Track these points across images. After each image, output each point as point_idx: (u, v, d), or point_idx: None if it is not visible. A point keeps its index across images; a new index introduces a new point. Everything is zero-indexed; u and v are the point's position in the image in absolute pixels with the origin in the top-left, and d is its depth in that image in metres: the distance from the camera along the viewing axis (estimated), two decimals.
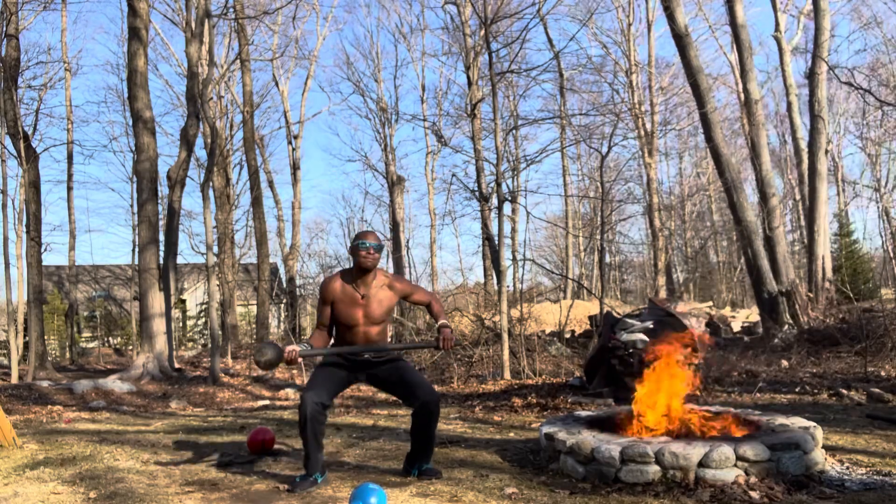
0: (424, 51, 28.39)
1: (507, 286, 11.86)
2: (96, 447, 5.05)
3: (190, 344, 27.72)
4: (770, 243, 13.74)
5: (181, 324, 28.80)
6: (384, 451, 4.70)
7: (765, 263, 13.20)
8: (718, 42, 25.56)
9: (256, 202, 21.59)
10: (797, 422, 3.90)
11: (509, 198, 13.86)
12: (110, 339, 28.38)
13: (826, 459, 3.73)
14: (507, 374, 10.09)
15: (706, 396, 6.84)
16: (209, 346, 15.42)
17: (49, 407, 8.71)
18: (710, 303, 24.74)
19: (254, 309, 24.76)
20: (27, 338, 16.27)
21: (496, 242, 12.51)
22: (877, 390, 6.50)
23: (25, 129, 15.53)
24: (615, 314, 8.66)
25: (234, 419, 7.04)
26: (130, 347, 24.28)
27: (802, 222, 27.35)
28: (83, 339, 28.06)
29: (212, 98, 18.44)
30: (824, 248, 16.35)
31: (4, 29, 14.80)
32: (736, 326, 16.83)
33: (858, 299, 14.74)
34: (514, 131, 20.99)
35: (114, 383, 10.65)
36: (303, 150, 33.08)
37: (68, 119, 21.65)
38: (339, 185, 64.34)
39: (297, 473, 3.83)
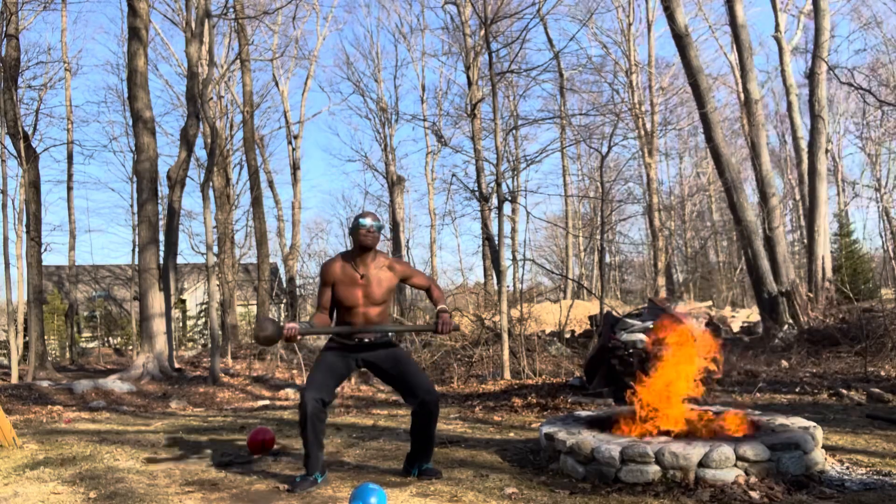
0: (424, 51, 28.43)
1: (507, 286, 11.86)
2: (96, 447, 5.05)
3: (190, 344, 27.71)
4: (770, 243, 13.74)
5: (181, 324, 28.80)
6: (384, 451, 4.70)
7: (765, 263, 13.20)
8: (718, 42, 25.57)
9: (256, 202, 21.58)
10: (797, 422, 3.90)
11: (509, 198, 13.86)
12: (110, 339, 28.39)
13: (826, 459, 3.73)
14: (507, 374, 10.09)
15: (706, 396, 6.84)
16: (209, 346, 15.42)
17: (49, 407, 8.71)
18: (710, 303, 24.73)
19: (254, 309, 24.78)
20: (27, 338, 16.27)
21: (496, 242, 12.51)
22: (877, 390, 6.50)
23: (25, 129, 15.54)
24: (615, 314, 8.66)
25: (234, 419, 7.04)
26: (130, 347, 24.28)
27: (802, 222, 27.35)
28: (83, 339, 28.06)
29: (212, 98, 18.44)
30: (824, 248, 16.35)
31: (4, 29, 14.80)
32: (736, 326, 16.84)
33: (858, 299, 14.74)
34: (514, 131, 21.00)
35: (114, 383, 10.65)
36: (303, 150, 33.11)
37: (68, 119, 21.66)
38: (339, 185, 64.47)
39: (297, 473, 3.83)
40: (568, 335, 14.63)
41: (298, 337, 3.73)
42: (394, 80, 44.48)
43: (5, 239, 14.75)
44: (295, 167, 25.32)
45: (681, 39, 13.66)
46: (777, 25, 18.45)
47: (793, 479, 3.33)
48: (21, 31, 16.14)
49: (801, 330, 11.95)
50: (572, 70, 22.50)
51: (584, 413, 4.72)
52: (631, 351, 6.87)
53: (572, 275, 28.88)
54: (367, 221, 3.71)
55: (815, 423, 3.84)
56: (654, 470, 3.38)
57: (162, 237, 13.02)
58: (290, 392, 10.55)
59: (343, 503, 3.35)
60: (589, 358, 8.16)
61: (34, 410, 8.37)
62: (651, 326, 7.08)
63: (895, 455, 3.95)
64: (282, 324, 3.77)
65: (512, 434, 5.28)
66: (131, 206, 24.51)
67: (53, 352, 23.77)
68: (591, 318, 16.37)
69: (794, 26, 21.02)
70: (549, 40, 23.53)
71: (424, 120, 25.18)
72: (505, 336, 10.29)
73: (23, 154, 14.67)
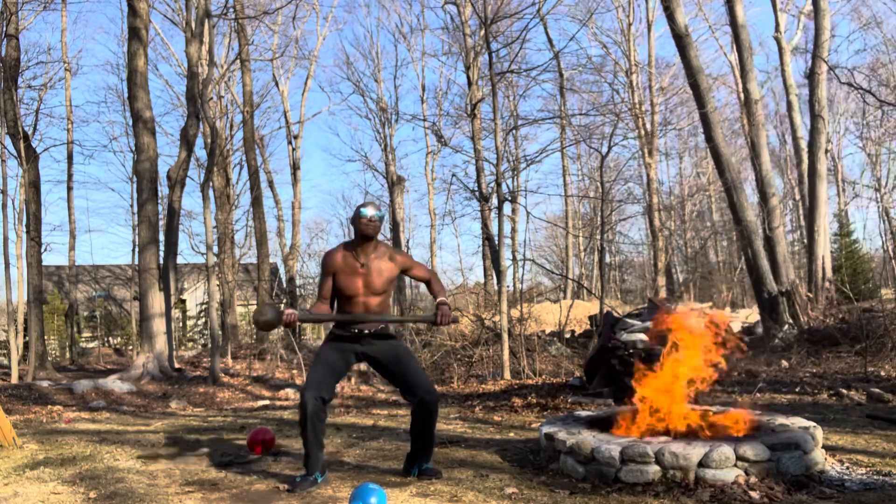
0: (424, 51, 28.41)
1: (507, 286, 11.86)
2: (96, 447, 5.05)
3: (190, 344, 27.71)
4: (770, 243, 13.73)
5: (181, 324, 28.80)
6: (384, 451, 4.70)
7: (765, 263, 13.20)
8: (718, 42, 25.56)
9: (256, 202, 21.59)
10: (797, 422, 3.90)
11: (509, 198, 13.87)
12: (110, 339, 28.38)
13: (826, 459, 3.73)
14: (507, 374, 10.09)
15: (706, 396, 6.84)
16: (209, 346, 15.42)
17: (49, 407, 8.71)
18: (710, 303, 24.72)
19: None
20: (27, 338, 16.27)
21: (496, 242, 12.51)
22: (877, 390, 6.50)
23: (25, 129, 15.54)
24: (615, 314, 8.66)
25: (234, 419, 7.04)
26: (130, 347, 24.28)
27: (802, 222, 27.35)
28: (83, 339, 28.06)
29: (212, 98, 18.44)
30: (824, 248, 16.35)
31: (4, 29, 14.80)
32: (736, 326, 16.83)
33: (858, 299, 14.74)
34: (514, 131, 21.00)
35: (114, 383, 10.65)
36: (303, 150, 33.08)
37: (68, 119, 21.66)
38: (339, 185, 64.56)
39: (297, 473, 3.83)
40: (568, 335, 14.63)
41: (297, 323, 3.72)
42: (394, 80, 44.49)
43: (5, 239, 14.75)
44: (295, 167, 25.32)
45: (681, 39, 13.65)
46: (777, 25, 18.45)
47: (793, 479, 3.33)
48: (21, 31, 16.14)
49: (801, 330, 11.94)
50: (572, 70, 22.51)
51: (584, 413, 4.72)
52: (631, 351, 6.87)
53: (572, 275, 28.88)
54: (369, 211, 3.72)
55: (815, 423, 3.84)
56: (654, 470, 3.38)
57: (162, 237, 13.02)
58: (290, 392, 10.54)
59: (343, 503, 3.35)
60: (589, 358, 8.16)
61: (34, 410, 8.37)
62: (651, 326, 7.09)
63: (895, 455, 3.95)
64: (282, 309, 3.77)
65: (512, 434, 5.28)
66: (131, 206, 24.53)
67: (53, 352, 23.76)
68: (591, 318, 16.37)
69: (794, 26, 21.02)
70: (549, 40, 23.54)
71: (424, 120, 25.19)
72: (505, 336, 10.29)
73: (23, 154, 14.66)
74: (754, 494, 3.14)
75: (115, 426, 6.58)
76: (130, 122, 14.86)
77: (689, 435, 3.75)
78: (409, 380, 3.74)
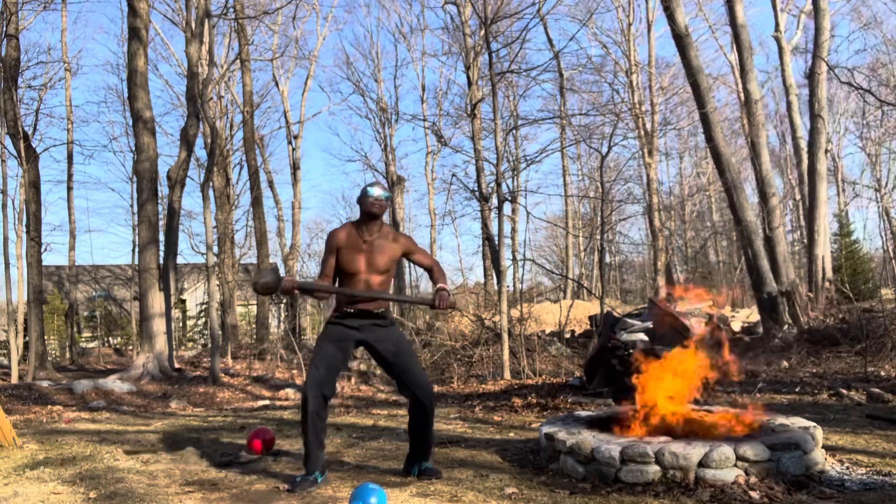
0: (424, 51, 28.39)
1: (507, 286, 11.87)
2: (96, 447, 5.05)
3: (190, 344, 27.71)
4: (770, 243, 13.73)
5: (181, 324, 28.80)
6: (384, 451, 4.70)
7: (765, 263, 13.20)
8: (718, 42, 25.55)
9: (256, 202, 21.59)
10: (797, 422, 3.90)
11: (509, 198, 13.87)
12: (110, 339, 28.38)
13: (826, 459, 3.73)
14: (507, 374, 10.09)
15: (706, 396, 6.84)
16: (209, 346, 15.42)
17: (49, 407, 8.71)
18: (710, 302, 24.71)
19: (254, 309, 24.76)
20: (27, 338, 16.27)
21: (496, 242, 12.52)
22: (877, 390, 6.50)
23: (25, 129, 15.53)
24: (615, 314, 8.66)
25: (234, 419, 7.04)
26: (130, 347, 24.28)
27: (802, 222, 27.35)
28: (83, 339, 28.06)
29: (212, 98, 18.44)
30: (824, 248, 16.34)
31: (4, 29, 14.80)
32: (736, 326, 16.83)
33: (858, 299, 14.74)
34: (514, 131, 21.00)
35: (114, 383, 10.64)
36: (303, 150, 33.07)
37: (68, 119, 21.65)
38: (339, 185, 64.46)
39: (297, 473, 3.83)
40: (568, 335, 14.63)
41: (296, 291, 3.73)
42: (394, 80, 44.48)
43: (5, 239, 14.75)
44: (295, 167, 25.31)
45: (681, 39, 13.65)
46: (777, 25, 18.44)
47: (793, 479, 3.33)
48: (21, 31, 16.14)
49: (801, 330, 11.94)
50: (572, 70, 22.52)
51: (584, 413, 4.72)
52: (631, 351, 6.87)
53: (572, 275, 28.88)
54: (376, 190, 3.74)
55: (815, 423, 3.84)
56: (654, 470, 3.38)
57: (162, 237, 13.02)
58: (290, 392, 10.54)
59: (343, 503, 3.35)
60: (589, 358, 8.16)
61: (34, 410, 8.37)
62: (651, 326, 7.09)
63: (895, 455, 3.95)
64: (282, 275, 3.77)
65: (512, 434, 5.28)
66: (131, 206, 24.52)
67: (53, 352, 23.76)
68: (591, 318, 16.37)
69: (794, 26, 21.02)
70: (549, 40, 23.54)
71: (424, 120, 25.19)
72: (505, 336, 10.29)
73: (23, 154, 14.66)
74: (754, 494, 3.14)
75: (115, 426, 6.58)
76: (130, 122, 14.86)
77: (689, 435, 3.76)
78: (405, 376, 3.75)
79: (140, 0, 12.68)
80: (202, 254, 20.42)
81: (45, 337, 16.13)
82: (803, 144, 17.83)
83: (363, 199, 3.74)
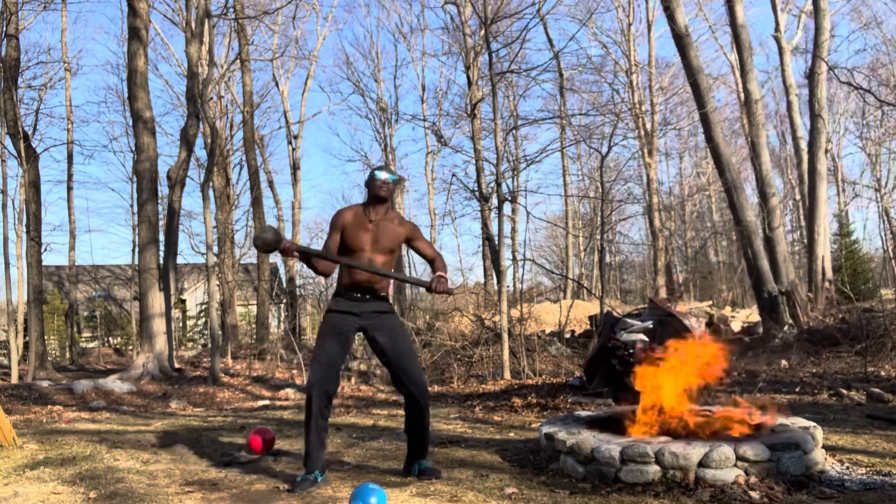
0: (424, 51, 28.47)
1: (507, 286, 11.87)
2: (96, 447, 5.05)
3: (190, 344, 27.71)
4: (770, 243, 13.74)
5: (181, 324, 28.80)
6: (384, 451, 4.70)
7: (765, 263, 13.20)
8: (718, 42, 25.57)
9: (256, 202, 21.59)
10: (797, 422, 3.90)
11: (509, 198, 13.87)
12: (110, 339, 28.38)
13: (826, 459, 3.73)
14: (507, 374, 10.09)
15: (706, 396, 6.84)
16: (209, 346, 15.42)
17: (49, 407, 8.70)
18: (710, 302, 24.73)
19: (254, 309, 24.76)
20: (27, 338, 16.27)
21: (496, 242, 12.52)
22: (877, 390, 6.50)
23: (25, 129, 15.53)
24: (615, 314, 8.66)
25: (234, 419, 7.04)
26: (130, 347, 24.28)
27: (802, 222, 27.36)
28: (83, 339, 28.06)
29: (212, 98, 18.44)
30: (824, 248, 16.35)
31: (4, 29, 14.80)
32: (736, 326, 16.82)
33: (858, 299, 14.74)
34: (514, 131, 20.99)
35: (114, 383, 10.64)
36: (303, 150, 33.05)
37: (68, 119, 21.66)
38: (339, 185, 64.45)
39: (297, 473, 3.83)
40: (568, 335, 14.63)
41: (295, 253, 3.71)
42: (394, 80, 44.68)
43: (5, 239, 14.75)
44: (295, 167, 25.32)
45: (681, 39, 13.65)
46: (777, 25, 18.45)
47: (793, 479, 3.33)
48: (21, 31, 16.14)
49: (801, 330, 11.95)
50: (572, 70, 22.51)
51: (584, 413, 4.72)
52: (631, 351, 6.87)
53: (572, 275, 28.88)
54: (383, 174, 3.80)
55: (815, 423, 3.84)
56: (654, 470, 3.38)
57: (162, 237, 13.02)
58: (290, 392, 10.54)
59: (343, 503, 3.35)
60: (589, 358, 8.16)
61: (34, 410, 8.37)
62: (651, 326, 7.09)
63: (895, 455, 3.95)
64: (283, 236, 3.77)
65: (512, 434, 5.28)
66: (131, 206, 24.53)
67: (53, 352, 23.76)
68: (591, 318, 16.37)
69: (794, 26, 21.03)
70: (549, 40, 23.54)
71: (424, 120, 25.20)
72: (505, 336, 10.29)
73: (23, 154, 14.66)
74: (754, 494, 3.14)
75: (115, 426, 6.58)
76: (130, 122, 14.86)
77: (689, 435, 3.75)
78: (401, 369, 3.75)
79: (140, 0, 12.68)
80: (202, 254, 20.42)
81: (45, 337, 16.13)
82: (803, 144, 17.84)
83: (371, 181, 3.81)
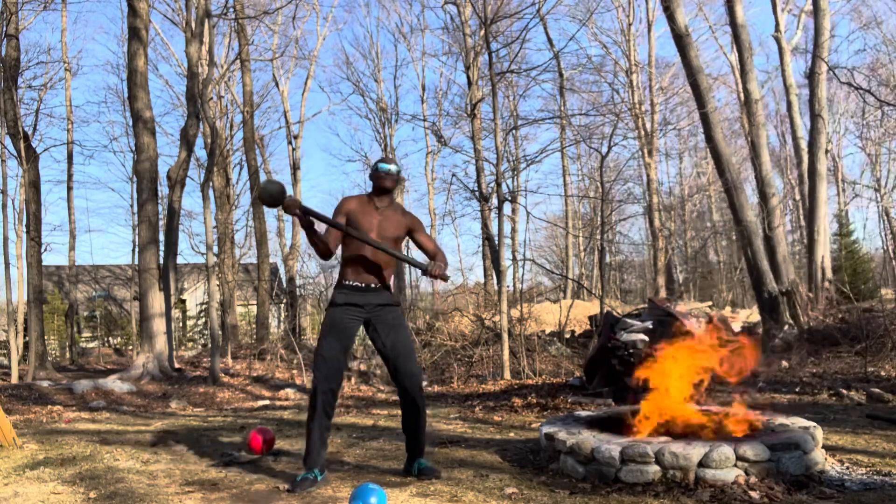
0: (424, 51, 28.44)
1: (507, 286, 11.87)
2: (96, 447, 5.05)
3: (190, 344, 27.71)
4: (770, 243, 13.73)
5: (181, 324, 28.80)
6: (384, 451, 4.70)
7: (765, 263, 13.20)
8: (718, 42, 25.56)
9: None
10: (797, 422, 3.90)
11: (509, 198, 13.87)
12: (110, 339, 28.37)
13: (826, 459, 3.73)
14: (507, 374, 10.09)
15: (706, 397, 6.84)
16: (209, 346, 15.42)
17: (49, 407, 8.70)
18: (710, 302, 24.72)
19: (254, 309, 24.76)
20: (27, 338, 16.26)
21: (496, 242, 12.52)
22: (877, 390, 6.50)
23: (25, 129, 15.52)
24: (615, 314, 8.66)
25: (234, 419, 7.04)
26: (130, 347, 24.27)
27: (802, 222, 27.35)
28: (83, 339, 28.05)
29: (212, 98, 18.43)
30: (824, 248, 16.34)
31: (4, 29, 14.79)
32: (736, 326, 16.81)
33: (858, 299, 14.73)
34: (514, 131, 21.00)
35: (114, 383, 10.64)
36: (303, 150, 33.06)
37: (68, 119, 21.65)
38: (339, 185, 64.33)
39: (297, 473, 3.83)
40: (568, 335, 14.63)
41: (297, 211, 3.64)
42: (394, 80, 44.59)
43: (5, 239, 14.74)
44: (295, 167, 25.32)
45: (681, 39, 13.65)
46: (777, 25, 18.45)
47: (793, 479, 3.33)
48: (21, 31, 16.13)
49: (801, 330, 11.94)
50: (572, 70, 22.51)
51: (584, 413, 4.72)
52: (631, 351, 6.87)
53: (572, 275, 28.88)
54: (387, 166, 3.87)
55: (815, 423, 3.84)
56: (654, 470, 3.38)
57: (162, 237, 13.02)
58: (290, 392, 10.54)
59: (343, 503, 3.35)
60: (589, 358, 8.16)
61: (34, 410, 8.37)
62: (651, 326, 7.09)
63: (895, 455, 3.95)
64: (289, 193, 3.74)
65: (512, 434, 5.28)
66: (131, 206, 24.54)
67: (53, 352, 23.76)
68: (591, 318, 16.37)
69: (794, 26, 21.02)
70: (549, 40, 23.53)
71: (424, 120, 25.20)
72: (505, 336, 10.29)
73: (23, 154, 14.66)
74: (754, 494, 3.14)
75: (115, 426, 6.58)
76: (130, 122, 14.86)
77: (690, 435, 3.75)
78: (398, 365, 3.76)
79: (140, 0, 12.68)
80: (202, 254, 20.44)
81: (45, 337, 16.13)
82: (803, 144, 17.83)
83: (375, 173, 3.88)
